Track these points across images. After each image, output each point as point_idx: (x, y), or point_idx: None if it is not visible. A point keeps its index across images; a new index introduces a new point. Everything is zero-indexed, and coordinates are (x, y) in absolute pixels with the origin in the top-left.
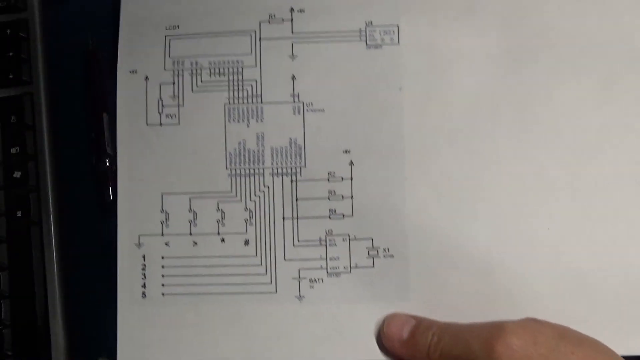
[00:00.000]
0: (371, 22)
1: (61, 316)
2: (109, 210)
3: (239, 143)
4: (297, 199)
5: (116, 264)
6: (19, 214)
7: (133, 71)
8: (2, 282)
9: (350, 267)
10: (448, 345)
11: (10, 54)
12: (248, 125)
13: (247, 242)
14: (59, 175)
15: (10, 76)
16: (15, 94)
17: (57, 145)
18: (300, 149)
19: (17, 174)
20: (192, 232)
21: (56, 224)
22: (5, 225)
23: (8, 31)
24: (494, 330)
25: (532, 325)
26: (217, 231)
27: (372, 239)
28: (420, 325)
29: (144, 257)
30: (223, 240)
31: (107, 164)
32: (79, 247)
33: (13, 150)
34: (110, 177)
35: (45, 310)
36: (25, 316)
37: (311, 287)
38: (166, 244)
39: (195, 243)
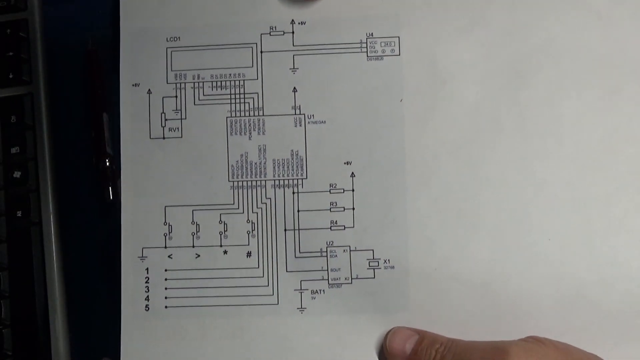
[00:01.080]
0: (372, 34)
1: (61, 316)
2: (109, 210)
3: (241, 155)
4: (298, 211)
5: (115, 264)
6: (19, 214)
7: (136, 84)
8: (2, 282)
9: (352, 278)
10: None
11: (10, 54)
12: (250, 138)
13: (249, 254)
14: (59, 175)
15: (10, 76)
16: (15, 94)
17: (57, 145)
18: (302, 160)
19: (17, 174)
20: (194, 245)
21: (56, 224)
22: (5, 225)
23: (8, 31)
24: (498, 354)
25: (536, 348)
26: (219, 243)
27: (373, 250)
28: (424, 340)
29: (147, 270)
30: (225, 252)
31: (107, 163)
32: (79, 247)
33: (13, 150)
34: (110, 177)
35: (45, 310)
36: (25, 316)
37: (313, 298)
38: (169, 257)
39: (198, 255)
